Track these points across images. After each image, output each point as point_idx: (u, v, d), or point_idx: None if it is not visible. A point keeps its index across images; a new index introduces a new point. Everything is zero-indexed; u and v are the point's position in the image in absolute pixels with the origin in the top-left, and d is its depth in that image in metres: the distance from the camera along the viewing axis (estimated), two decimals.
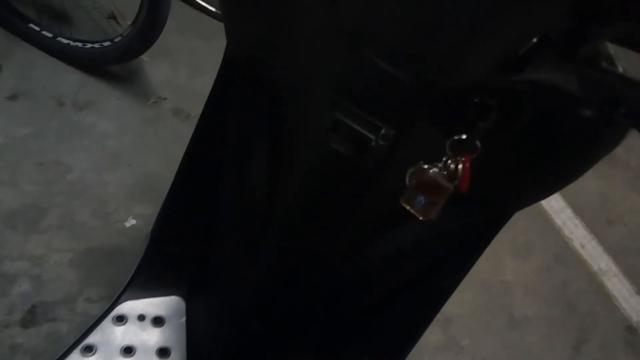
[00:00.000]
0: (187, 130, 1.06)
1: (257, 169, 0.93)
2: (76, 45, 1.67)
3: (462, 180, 0.58)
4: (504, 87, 0.55)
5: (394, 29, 0.53)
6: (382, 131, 0.60)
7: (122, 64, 1.77)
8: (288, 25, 0.66)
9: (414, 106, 0.58)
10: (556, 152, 0.63)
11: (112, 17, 1.86)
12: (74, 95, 1.67)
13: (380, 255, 0.92)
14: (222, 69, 0.93)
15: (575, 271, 1.82)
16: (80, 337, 1.05)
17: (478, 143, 0.57)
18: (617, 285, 1.82)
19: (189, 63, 1.86)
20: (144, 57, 1.77)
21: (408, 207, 0.60)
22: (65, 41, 1.68)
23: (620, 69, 0.50)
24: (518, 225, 1.81)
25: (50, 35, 1.68)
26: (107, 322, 1.07)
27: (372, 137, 0.61)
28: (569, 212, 1.95)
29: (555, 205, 1.95)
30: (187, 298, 1.14)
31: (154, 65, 1.82)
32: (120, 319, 1.09)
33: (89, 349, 1.05)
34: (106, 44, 1.64)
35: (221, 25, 0.93)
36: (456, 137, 0.57)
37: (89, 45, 1.66)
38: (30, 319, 1.26)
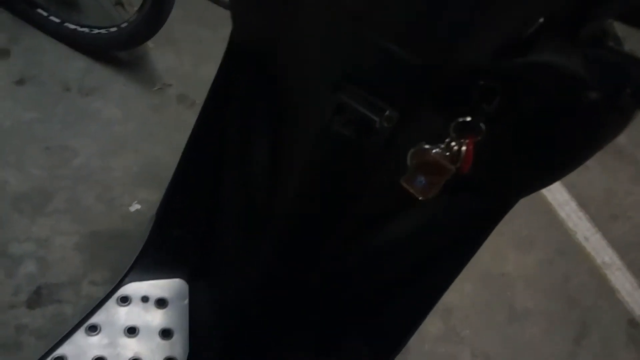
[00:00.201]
0: (191, 117, 1.07)
1: (259, 155, 0.93)
2: (83, 31, 1.68)
3: (465, 162, 0.59)
4: (509, 70, 0.55)
5: (398, 8, 0.53)
6: (386, 113, 0.60)
7: (128, 50, 1.78)
8: (293, 8, 0.66)
9: (418, 88, 0.58)
10: (559, 138, 0.63)
11: (119, 3, 1.86)
12: (80, 80, 1.67)
13: (381, 243, 0.92)
14: (226, 55, 0.94)
15: (578, 264, 1.81)
16: (85, 316, 1.06)
17: (482, 126, 0.57)
18: (620, 278, 1.82)
19: (194, 51, 1.87)
20: (150, 43, 1.77)
21: (408, 187, 0.61)
22: (72, 27, 1.68)
23: (627, 49, 0.50)
24: (521, 217, 1.81)
25: (57, 20, 1.69)
26: (111, 302, 1.08)
27: (376, 119, 0.61)
28: (573, 205, 1.95)
29: (559, 197, 1.95)
30: (190, 281, 1.15)
31: (160, 52, 1.83)
32: (124, 300, 1.11)
33: (94, 329, 1.07)
34: (113, 29, 1.64)
35: (226, 14, 0.94)
36: (461, 120, 0.57)
37: (96, 31, 1.67)
38: (35, 300, 1.27)
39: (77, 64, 1.71)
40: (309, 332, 1.10)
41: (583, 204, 1.96)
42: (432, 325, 1.53)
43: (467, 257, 0.92)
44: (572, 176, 2.01)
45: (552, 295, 1.72)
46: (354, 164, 0.71)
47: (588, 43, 0.48)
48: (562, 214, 1.92)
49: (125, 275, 1.11)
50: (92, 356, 1.05)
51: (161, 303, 1.12)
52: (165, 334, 1.10)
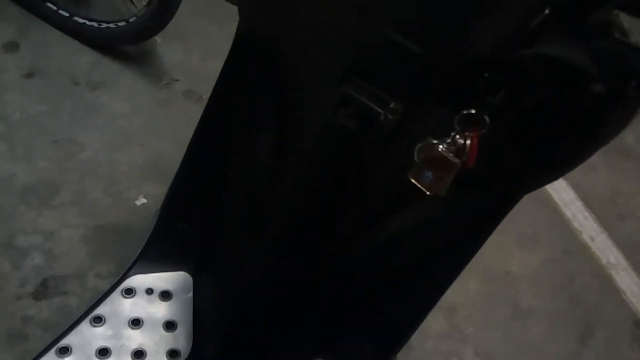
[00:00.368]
0: (198, 112, 1.08)
1: (263, 150, 0.94)
2: (92, 25, 1.69)
3: (470, 156, 0.59)
4: (514, 63, 0.55)
5: (400, 1, 0.53)
6: (391, 105, 0.60)
7: (136, 45, 1.78)
8: (299, 0, 0.66)
9: (423, 80, 0.59)
10: (564, 132, 0.63)
11: None
12: (88, 74, 1.68)
13: (385, 237, 0.92)
14: (232, 50, 0.94)
15: (583, 264, 1.81)
16: (90, 308, 1.07)
17: (487, 118, 0.57)
18: (625, 279, 1.81)
19: (201, 46, 1.87)
20: (158, 38, 1.78)
21: (415, 182, 0.61)
22: (81, 20, 1.69)
23: (633, 41, 0.50)
24: (526, 216, 1.80)
25: (66, 14, 1.70)
26: (116, 294, 1.09)
27: (380, 111, 0.61)
28: (579, 204, 1.94)
29: (565, 197, 1.94)
30: (195, 274, 1.16)
31: (167, 47, 1.84)
32: (129, 292, 1.11)
33: (98, 319, 1.08)
34: (121, 24, 1.65)
35: (233, 9, 0.95)
36: (465, 112, 0.57)
37: (104, 25, 1.68)
38: (41, 292, 1.28)
39: (85, 58, 1.72)
40: (311, 328, 1.10)
41: (589, 203, 1.95)
42: (435, 322, 1.52)
43: (470, 254, 0.92)
44: (578, 176, 2.02)
45: (556, 295, 1.71)
46: (358, 157, 0.71)
47: (593, 34, 0.48)
48: (568, 213, 1.91)
49: (130, 268, 1.12)
50: (97, 347, 1.06)
51: (165, 295, 1.13)
52: (169, 326, 1.11)
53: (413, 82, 0.59)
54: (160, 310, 1.11)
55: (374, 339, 1.10)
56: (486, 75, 0.55)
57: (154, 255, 1.13)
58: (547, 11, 0.48)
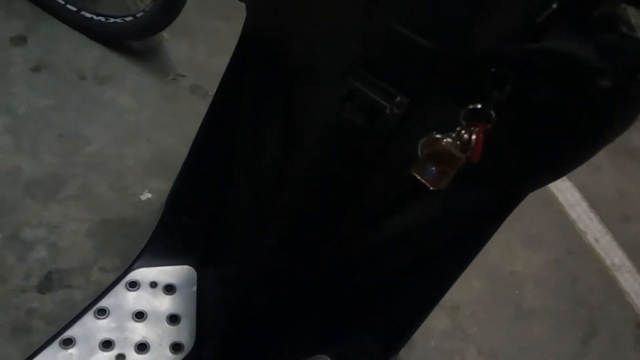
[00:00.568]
0: (204, 108, 1.08)
1: (269, 143, 0.94)
2: (99, 20, 1.69)
3: (475, 150, 0.59)
4: (521, 57, 0.55)
5: None
6: (397, 99, 0.60)
7: (143, 40, 1.79)
8: None
9: (430, 74, 0.59)
10: (570, 127, 0.62)
11: None
12: (95, 69, 1.69)
13: (390, 233, 0.92)
14: (238, 46, 0.94)
15: (588, 265, 1.80)
16: (94, 300, 1.07)
17: (492, 113, 0.57)
18: (629, 281, 1.80)
19: (208, 42, 1.88)
20: (165, 34, 1.79)
21: (419, 177, 0.61)
22: (88, 15, 1.70)
23: None
24: (531, 216, 1.80)
25: (74, 9, 1.70)
26: (120, 287, 1.09)
27: (386, 105, 0.61)
28: (584, 205, 1.93)
29: (570, 198, 1.94)
30: (199, 268, 1.16)
31: (174, 43, 1.84)
32: (133, 285, 1.12)
33: (102, 312, 1.08)
34: (128, 19, 1.65)
35: (240, 6, 0.95)
36: (471, 107, 0.57)
37: (112, 20, 1.68)
38: (46, 284, 1.28)
39: (92, 53, 1.72)
40: (313, 325, 1.11)
41: (594, 204, 1.94)
42: (438, 321, 1.52)
43: (472, 253, 0.92)
44: (584, 177, 2.01)
45: (560, 295, 1.71)
46: (363, 154, 0.71)
47: (600, 29, 0.48)
48: (573, 214, 1.90)
49: (135, 261, 1.12)
50: (100, 339, 1.06)
51: (169, 289, 1.13)
52: (173, 319, 1.11)
53: (419, 76, 0.59)
54: (164, 304, 1.12)
55: (376, 336, 1.10)
56: (493, 70, 0.55)
57: (159, 249, 1.14)
58: (554, 5, 0.48)
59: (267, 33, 0.86)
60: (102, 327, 1.07)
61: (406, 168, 0.65)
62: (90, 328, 1.07)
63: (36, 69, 1.63)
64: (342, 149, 0.71)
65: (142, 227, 1.38)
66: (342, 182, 0.78)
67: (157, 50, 1.82)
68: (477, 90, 0.57)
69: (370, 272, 1.00)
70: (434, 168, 0.62)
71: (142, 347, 1.08)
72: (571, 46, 0.49)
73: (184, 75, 1.78)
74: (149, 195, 1.49)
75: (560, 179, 1.91)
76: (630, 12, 0.49)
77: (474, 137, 0.58)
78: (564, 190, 1.94)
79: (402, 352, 1.23)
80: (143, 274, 1.12)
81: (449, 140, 0.60)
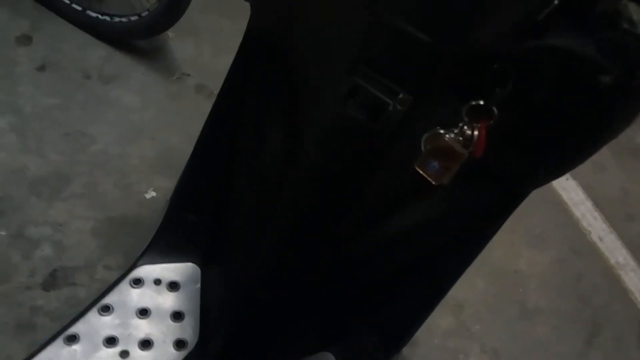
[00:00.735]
0: (208, 107, 1.09)
1: (272, 140, 0.94)
2: (104, 19, 1.70)
3: (477, 146, 0.59)
4: (524, 54, 0.55)
5: None
6: (400, 96, 0.61)
7: (148, 39, 1.80)
8: None
9: (432, 70, 0.59)
10: (572, 124, 0.63)
11: None
12: (100, 68, 1.70)
13: (392, 231, 0.92)
14: (242, 44, 0.95)
15: (592, 264, 1.80)
16: (98, 297, 1.08)
17: (495, 109, 0.57)
18: (634, 279, 1.80)
19: (213, 41, 1.88)
20: (169, 33, 1.79)
21: (421, 172, 0.61)
22: (94, 15, 1.70)
23: None
24: (535, 215, 1.80)
25: (79, 8, 1.71)
26: (124, 284, 1.10)
27: (389, 101, 0.61)
28: (588, 204, 1.93)
29: (574, 197, 1.94)
30: (203, 265, 1.16)
31: (179, 42, 1.85)
32: (137, 282, 1.12)
33: (106, 309, 1.09)
34: (133, 18, 1.66)
35: (244, 5, 0.95)
36: (474, 103, 0.57)
37: (117, 20, 1.69)
38: (51, 282, 1.29)
39: (97, 52, 1.73)
40: (316, 321, 1.11)
41: (598, 203, 1.94)
42: (442, 319, 1.53)
43: (475, 252, 0.92)
44: (588, 176, 2.00)
45: (564, 294, 1.71)
46: (366, 152, 0.71)
47: (601, 25, 0.48)
48: (577, 213, 1.90)
49: (139, 258, 1.13)
50: (104, 336, 1.07)
51: (173, 286, 1.14)
52: (177, 316, 1.12)
53: (422, 73, 0.60)
54: (168, 301, 1.12)
55: (378, 335, 1.10)
56: (495, 66, 0.55)
57: (163, 246, 1.14)
58: (555, 2, 0.48)
59: (271, 31, 0.87)
60: (106, 324, 1.08)
61: (408, 166, 0.65)
62: (94, 325, 1.07)
63: (41, 68, 1.64)
64: (344, 147, 0.72)
65: (147, 225, 1.38)
66: (343, 181, 0.79)
67: (162, 50, 1.83)
68: (480, 87, 0.57)
69: (372, 270, 1.00)
70: (436, 163, 0.62)
71: (145, 344, 1.08)
72: (572, 43, 0.50)
73: (188, 75, 1.78)
74: (154, 194, 1.50)
75: (565, 178, 1.92)
76: (632, 8, 0.49)
77: (476, 133, 0.58)
78: (568, 189, 1.94)
79: (406, 350, 1.23)
80: (147, 271, 1.13)
81: (452, 135, 0.61)
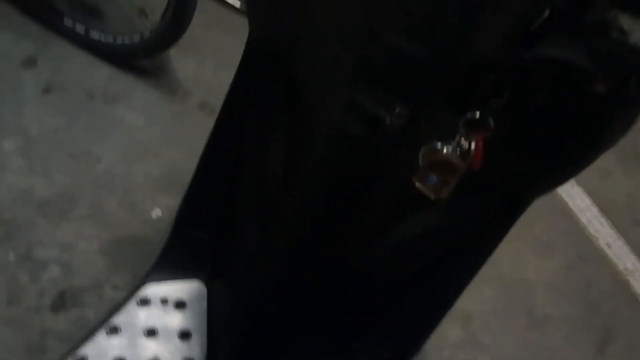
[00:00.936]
0: (212, 124, 1.10)
1: (274, 155, 0.95)
2: (107, 41, 1.72)
3: (475, 159, 0.59)
4: (518, 65, 0.55)
5: (407, 6, 0.54)
6: (397, 110, 0.61)
7: (151, 58, 1.81)
8: (306, 7, 0.67)
9: (428, 83, 0.59)
10: (570, 133, 0.63)
11: (143, 12, 1.90)
12: (104, 88, 1.71)
13: (396, 243, 0.92)
14: (243, 59, 0.96)
15: (600, 270, 1.79)
16: (106, 317, 1.08)
17: (491, 121, 0.58)
18: None
19: (215, 58, 1.89)
20: (172, 51, 1.81)
21: (420, 186, 0.61)
22: (96, 37, 1.72)
23: (632, 41, 0.50)
24: (541, 223, 1.79)
25: (82, 32, 1.73)
26: (131, 304, 1.10)
27: (386, 115, 0.62)
28: (594, 210, 1.92)
29: (580, 203, 1.93)
30: (209, 282, 1.16)
31: (182, 59, 1.86)
32: (144, 302, 1.12)
33: (114, 330, 1.09)
34: (135, 39, 1.68)
35: (245, 21, 0.96)
36: (470, 115, 0.58)
37: (120, 41, 1.71)
38: (59, 304, 1.29)
39: (101, 72, 1.75)
40: (327, 331, 1.10)
41: (605, 209, 1.93)
42: (451, 331, 1.52)
43: (481, 260, 0.92)
44: (594, 182, 1.99)
45: (573, 302, 1.70)
46: (366, 164, 0.71)
47: (592, 35, 0.48)
48: (584, 219, 1.89)
49: (145, 277, 1.13)
50: (113, 356, 1.07)
51: (180, 305, 1.14)
52: (184, 335, 1.12)
53: (418, 86, 0.60)
54: (175, 320, 1.12)
55: (386, 346, 1.10)
56: (490, 77, 0.56)
57: (169, 264, 1.15)
58: (546, 13, 0.48)
59: (269, 47, 0.88)
60: (114, 345, 1.08)
61: (408, 179, 0.66)
62: (103, 346, 1.07)
63: (46, 89, 1.66)
64: (345, 160, 0.72)
65: (153, 243, 1.38)
66: (347, 192, 0.79)
67: (164, 68, 1.84)
68: (476, 99, 0.57)
69: (377, 281, 1.00)
70: (435, 177, 0.62)
71: None
72: (565, 52, 0.50)
73: (192, 92, 1.80)
74: (159, 212, 1.50)
75: (570, 185, 1.91)
76: (622, 18, 0.50)
77: (473, 145, 0.58)
78: (573, 196, 1.93)
79: None
80: (154, 290, 1.13)
81: (449, 148, 0.61)
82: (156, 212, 1.50)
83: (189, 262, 1.16)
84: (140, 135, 1.65)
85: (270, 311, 0.99)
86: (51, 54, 1.74)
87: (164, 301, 1.13)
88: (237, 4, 2.08)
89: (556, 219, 1.84)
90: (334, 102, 0.67)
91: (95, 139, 1.60)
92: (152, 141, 1.64)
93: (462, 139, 0.59)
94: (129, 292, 1.12)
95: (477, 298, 1.59)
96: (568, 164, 0.69)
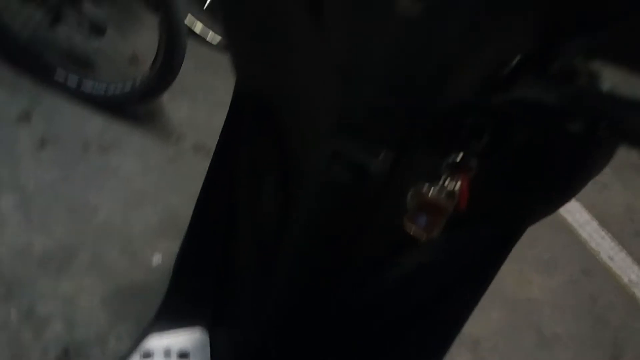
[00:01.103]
0: (207, 166, 1.10)
1: (267, 200, 0.95)
2: (99, 93, 1.74)
3: (461, 199, 0.60)
4: (495, 108, 0.56)
5: (379, 62, 0.56)
6: (381, 156, 0.62)
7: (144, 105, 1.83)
8: (286, 61, 0.69)
9: (410, 129, 0.60)
10: (550, 170, 0.64)
11: (134, 57, 1.93)
12: (99, 137, 1.73)
13: (392, 281, 0.92)
14: (232, 105, 0.97)
15: (604, 284, 1.78)
16: None
17: (473, 163, 0.58)
18: None
19: (207, 100, 1.92)
20: (164, 96, 1.83)
21: (410, 228, 0.62)
22: (88, 90, 1.75)
23: (605, 86, 0.51)
24: (542, 241, 1.79)
25: (74, 86, 1.75)
26: (135, 358, 1.09)
27: (370, 162, 0.63)
28: (594, 224, 1.92)
29: (580, 218, 1.93)
30: (211, 329, 1.16)
31: (174, 104, 1.88)
32: (147, 355, 1.12)
33: None
34: (127, 87, 1.70)
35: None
36: (452, 157, 0.59)
37: (112, 90, 1.73)
38: None
39: (95, 122, 1.77)
40: None
41: (604, 222, 1.93)
42: (460, 357, 1.51)
43: (481, 290, 0.92)
44: (592, 195, 1.99)
45: (580, 318, 1.69)
46: (356, 206, 0.72)
47: (560, 80, 0.49)
48: (584, 234, 1.89)
49: (147, 329, 1.12)
50: None
51: (183, 355, 1.13)
52: None
53: (400, 133, 0.61)
54: None
55: None
56: (468, 121, 0.57)
57: (170, 314, 1.14)
58: (516, 60, 0.50)
59: (255, 95, 0.89)
60: None
61: (399, 219, 0.66)
62: None
63: (42, 143, 1.67)
64: (334, 208, 0.73)
65: (155, 290, 1.38)
66: (340, 232, 0.79)
67: (157, 113, 1.86)
68: (457, 141, 0.58)
69: (379, 319, 1.00)
70: (424, 217, 0.63)
71: None
72: (538, 94, 0.51)
73: (185, 135, 1.81)
74: (159, 257, 1.51)
75: None
76: (592, 64, 0.51)
77: (458, 186, 0.59)
78: (572, 211, 1.93)
79: None
80: (156, 341, 1.13)
81: (436, 190, 0.61)
82: (156, 258, 1.50)
83: (190, 310, 1.15)
84: (136, 182, 1.66)
85: (272, 354, 0.99)
86: (45, 107, 1.76)
87: (167, 353, 1.13)
88: (215, 41, 2.11)
89: (556, 236, 1.84)
90: (320, 152, 0.68)
91: (92, 189, 1.61)
92: (148, 187, 1.65)
93: (447, 180, 0.60)
94: (131, 345, 1.12)
95: (483, 322, 1.58)
96: (553, 195, 0.69)
